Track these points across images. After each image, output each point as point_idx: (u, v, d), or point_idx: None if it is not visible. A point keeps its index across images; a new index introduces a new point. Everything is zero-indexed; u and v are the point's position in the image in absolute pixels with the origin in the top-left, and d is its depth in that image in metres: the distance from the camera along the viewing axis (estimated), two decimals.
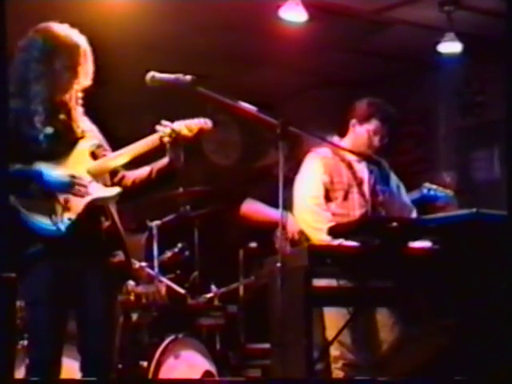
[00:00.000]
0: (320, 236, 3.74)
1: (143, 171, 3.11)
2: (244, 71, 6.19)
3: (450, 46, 5.32)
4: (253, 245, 5.14)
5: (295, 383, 3.16)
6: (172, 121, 3.12)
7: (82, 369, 2.98)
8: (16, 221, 2.82)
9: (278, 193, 3.05)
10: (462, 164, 6.19)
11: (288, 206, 3.82)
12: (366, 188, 3.98)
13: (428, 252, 3.39)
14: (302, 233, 4.39)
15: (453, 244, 3.33)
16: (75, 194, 2.90)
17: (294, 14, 4.91)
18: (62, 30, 2.99)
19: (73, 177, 2.91)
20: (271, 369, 3.68)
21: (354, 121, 4.00)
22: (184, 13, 5.12)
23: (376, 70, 6.35)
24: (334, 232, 3.42)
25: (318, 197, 3.91)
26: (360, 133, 3.98)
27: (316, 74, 6.44)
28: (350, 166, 3.99)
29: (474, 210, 3.18)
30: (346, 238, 3.34)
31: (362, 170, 4.01)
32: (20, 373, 3.17)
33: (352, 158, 4.00)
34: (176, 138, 3.03)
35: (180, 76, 3.05)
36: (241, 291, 5.10)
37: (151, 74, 3.07)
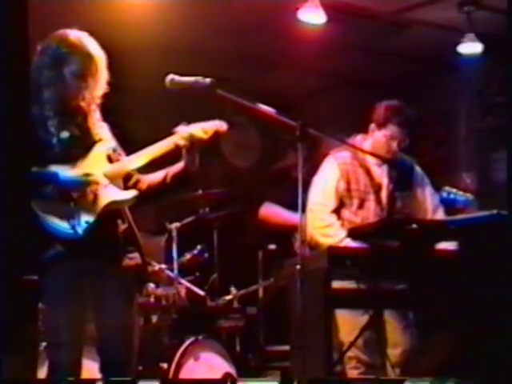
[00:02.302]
0: (327, 241, 3.71)
1: (158, 175, 3.12)
2: (263, 73, 6.19)
3: (470, 47, 5.28)
4: (272, 247, 5.14)
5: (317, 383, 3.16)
6: (191, 123, 3.13)
7: (102, 370, 3.01)
8: (35, 223, 2.85)
9: (297, 195, 3.05)
10: (482, 165, 6.15)
11: (305, 207, 3.81)
12: (383, 195, 3.92)
13: (448, 254, 3.37)
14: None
15: (473, 246, 3.31)
16: (90, 192, 2.93)
17: (312, 16, 4.91)
18: (77, 37, 3.00)
19: (87, 175, 2.93)
20: (291, 371, 3.68)
21: (372, 125, 3.92)
22: (202, 15, 5.13)
23: (395, 71, 6.32)
24: (353, 234, 3.42)
25: (327, 205, 3.85)
26: (378, 138, 3.90)
27: (335, 75, 6.43)
28: (368, 172, 3.92)
29: (495, 211, 3.16)
30: (366, 240, 3.33)
31: (381, 175, 3.94)
32: (41, 374, 3.19)
33: (371, 161, 3.94)
34: (191, 141, 3.05)
35: (199, 79, 3.06)
36: (260, 293, 5.10)
37: (170, 76, 3.08)
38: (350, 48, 5.84)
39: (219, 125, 3.12)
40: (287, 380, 3.42)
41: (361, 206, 3.88)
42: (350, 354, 3.75)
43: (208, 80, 3.05)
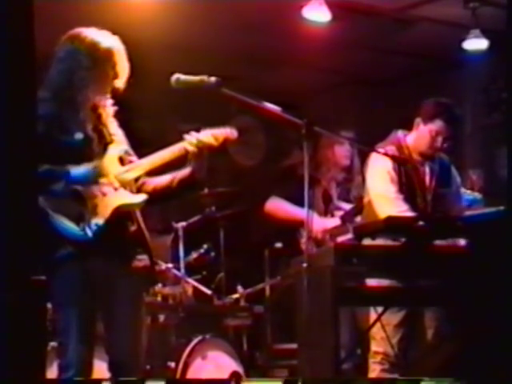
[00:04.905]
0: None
1: (164, 179, 3.12)
2: (268, 71, 6.19)
3: (476, 43, 5.28)
4: (278, 245, 5.14)
5: (322, 383, 3.16)
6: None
7: (110, 369, 3.02)
8: (45, 224, 2.86)
9: (303, 193, 3.05)
10: (489, 161, 6.14)
11: (312, 205, 3.80)
12: (427, 191, 3.89)
13: (456, 250, 3.37)
14: (325, 232, 4.39)
15: (480, 242, 3.30)
16: (101, 194, 2.93)
17: (317, 14, 4.91)
18: (93, 33, 3.01)
19: (96, 167, 2.93)
20: (298, 369, 3.68)
21: (418, 119, 3.90)
22: (208, 14, 5.13)
23: (400, 69, 6.31)
24: (359, 232, 3.41)
25: (389, 190, 3.80)
26: (423, 132, 3.87)
27: (340, 73, 6.42)
28: (414, 168, 3.88)
29: (502, 207, 3.15)
30: (373, 238, 3.33)
31: (424, 172, 3.92)
32: (49, 374, 3.20)
33: (416, 158, 3.90)
34: (201, 147, 3.05)
35: (205, 77, 3.06)
36: (267, 291, 5.10)
37: (176, 76, 3.08)
38: (354, 46, 5.83)
39: (230, 132, 3.13)
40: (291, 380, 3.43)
41: (408, 200, 3.82)
42: (377, 348, 3.77)
43: (213, 79, 3.05)
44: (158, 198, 3.12)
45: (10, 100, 2.23)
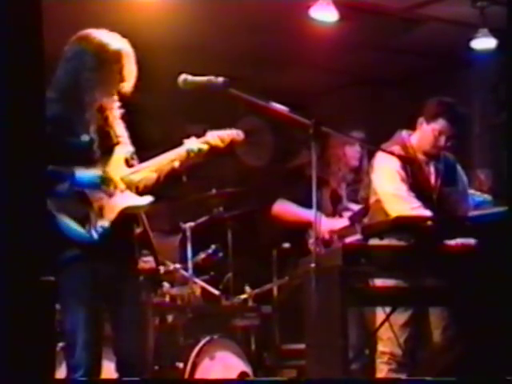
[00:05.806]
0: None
1: (152, 176, 3.13)
2: (275, 72, 6.19)
3: (484, 42, 5.26)
4: (286, 245, 5.13)
5: (331, 383, 3.16)
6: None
7: (118, 370, 3.03)
8: (52, 225, 2.86)
9: (311, 193, 3.05)
10: (497, 161, 6.11)
11: (320, 206, 3.80)
12: (433, 190, 3.89)
13: (464, 250, 3.36)
14: (333, 233, 4.39)
15: (488, 242, 3.30)
16: (107, 196, 2.94)
17: (324, 14, 4.91)
18: (101, 35, 3.02)
19: (103, 176, 2.94)
20: (307, 369, 3.68)
21: (421, 119, 3.90)
22: (215, 15, 5.14)
23: (408, 68, 6.30)
24: (367, 232, 3.41)
25: (400, 189, 3.81)
26: (426, 131, 3.88)
27: (347, 73, 6.42)
28: (419, 167, 3.89)
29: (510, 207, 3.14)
30: (381, 238, 3.32)
31: (430, 171, 3.93)
32: (58, 374, 3.20)
33: (421, 158, 3.90)
34: (204, 149, 3.07)
35: (212, 78, 3.06)
36: (275, 292, 5.10)
37: (183, 76, 3.09)
38: (362, 45, 5.83)
39: (236, 134, 3.14)
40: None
41: (416, 199, 3.82)
42: (384, 348, 3.77)
43: (221, 79, 3.05)
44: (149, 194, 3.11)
45: (19, 101, 2.23)
